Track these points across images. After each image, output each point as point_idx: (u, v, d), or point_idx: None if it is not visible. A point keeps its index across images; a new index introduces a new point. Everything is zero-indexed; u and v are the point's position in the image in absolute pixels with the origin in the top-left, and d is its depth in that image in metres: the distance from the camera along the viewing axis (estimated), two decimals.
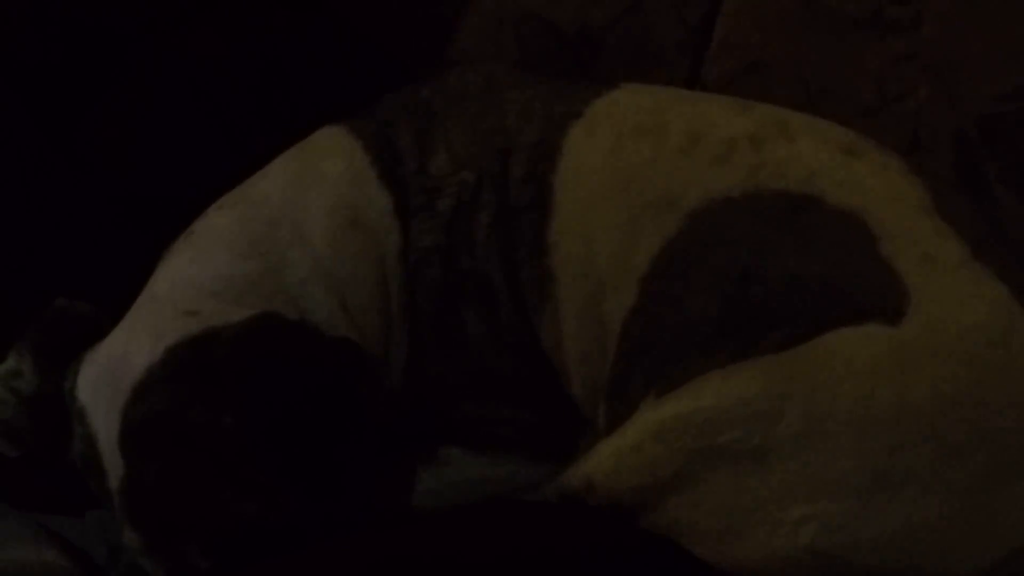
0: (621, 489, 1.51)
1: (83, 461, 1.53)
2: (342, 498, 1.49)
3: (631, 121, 1.71)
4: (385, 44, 2.15)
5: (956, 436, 1.41)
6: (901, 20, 1.96)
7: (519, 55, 2.16)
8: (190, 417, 1.45)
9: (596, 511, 1.53)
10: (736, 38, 2.07)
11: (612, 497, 1.51)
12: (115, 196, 1.87)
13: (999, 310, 1.48)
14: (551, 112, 1.74)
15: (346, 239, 1.68)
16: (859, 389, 1.43)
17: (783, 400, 1.43)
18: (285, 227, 1.68)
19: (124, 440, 1.46)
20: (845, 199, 1.57)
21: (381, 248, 1.69)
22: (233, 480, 1.44)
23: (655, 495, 1.49)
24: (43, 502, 1.72)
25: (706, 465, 1.45)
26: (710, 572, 1.47)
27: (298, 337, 1.52)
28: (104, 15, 1.92)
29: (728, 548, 1.45)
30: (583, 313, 1.67)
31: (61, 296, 1.64)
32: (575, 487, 1.55)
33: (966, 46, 1.92)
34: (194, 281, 1.62)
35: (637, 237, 1.64)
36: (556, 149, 1.70)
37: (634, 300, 1.63)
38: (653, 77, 2.02)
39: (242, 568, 1.45)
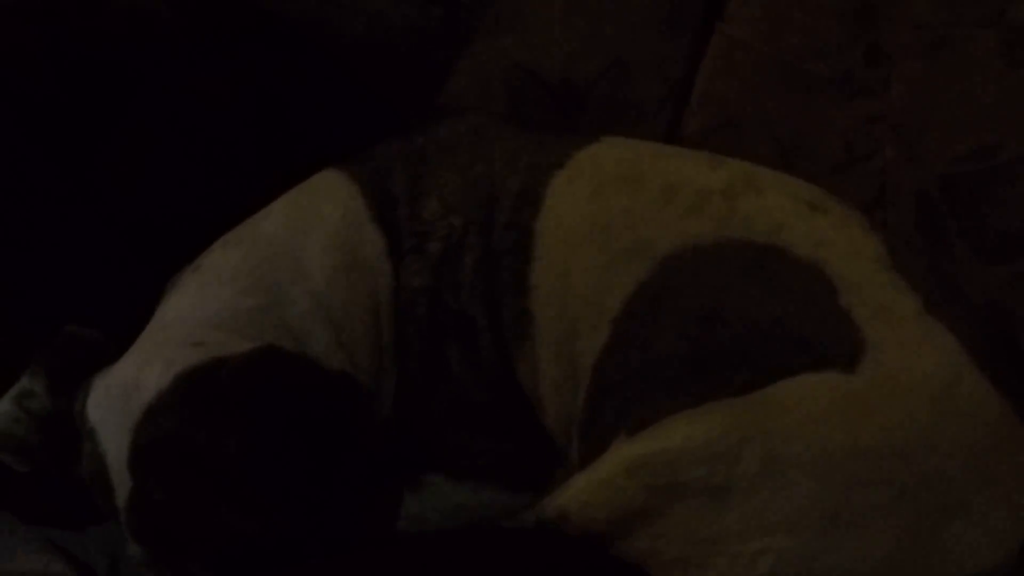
0: (593, 519, 1.55)
1: (91, 478, 1.57)
2: (334, 519, 1.54)
3: (610, 172, 1.77)
4: (381, 92, 2.18)
5: (905, 478, 1.48)
6: (871, 83, 2.03)
7: (507, 105, 2.20)
8: (196, 440, 1.49)
9: (570, 539, 1.57)
10: (714, 95, 2.13)
11: (585, 526, 1.56)
12: (123, 230, 1.91)
13: (948, 361, 1.54)
14: (535, 162, 1.79)
15: (342, 278, 1.73)
16: (815, 433, 1.49)
17: (743, 442, 1.49)
18: (286, 265, 1.72)
19: (133, 459, 1.51)
20: (808, 251, 1.63)
21: (375, 287, 1.74)
22: (235, 500, 1.48)
23: (625, 526, 1.54)
24: (49, 516, 1.77)
25: (672, 500, 1.51)
26: None
27: (297, 369, 1.56)
28: (117, 57, 1.95)
29: None
30: (558, 351, 1.72)
31: (72, 323, 1.68)
32: (551, 516, 1.59)
33: (930, 110, 1.99)
34: (201, 313, 1.66)
35: (611, 280, 1.69)
36: (539, 197, 1.76)
37: (606, 340, 1.68)
38: (634, 130, 2.06)
39: None
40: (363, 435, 1.57)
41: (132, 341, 1.67)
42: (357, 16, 2.20)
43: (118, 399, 1.56)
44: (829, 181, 1.83)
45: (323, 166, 1.86)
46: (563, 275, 1.72)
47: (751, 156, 1.84)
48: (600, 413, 1.67)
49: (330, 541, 1.54)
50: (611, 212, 1.73)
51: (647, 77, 2.17)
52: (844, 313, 1.58)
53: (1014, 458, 1.53)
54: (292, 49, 2.12)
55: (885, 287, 1.61)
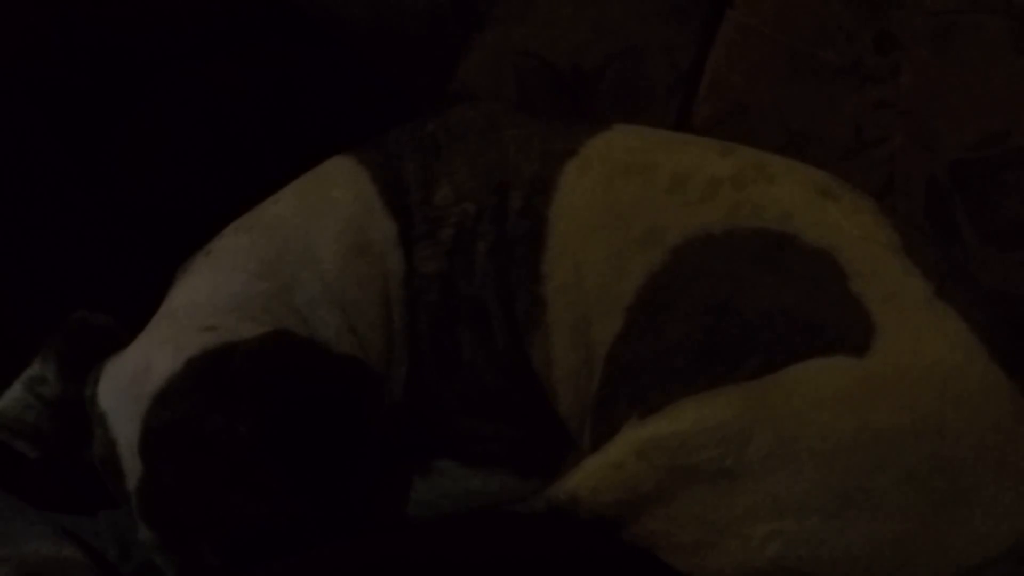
0: (604, 503, 1.56)
1: (102, 463, 1.57)
2: (344, 503, 1.55)
3: (622, 160, 1.77)
4: (392, 79, 2.19)
5: (914, 462, 1.48)
6: (880, 70, 2.03)
7: (518, 92, 2.20)
8: (207, 425, 1.50)
9: (580, 523, 1.58)
10: (723, 83, 2.13)
11: (595, 510, 1.57)
12: (135, 216, 1.91)
13: (958, 346, 1.55)
14: (548, 149, 1.79)
15: (353, 263, 1.73)
16: (824, 416, 1.50)
17: (754, 425, 1.50)
18: (297, 250, 1.73)
19: (144, 444, 1.51)
20: (819, 238, 1.63)
21: (386, 272, 1.74)
22: (245, 484, 1.49)
23: (635, 509, 1.55)
24: (60, 502, 1.76)
25: (682, 483, 1.52)
26: None
27: (308, 353, 1.57)
28: (130, 44, 1.96)
29: (701, 560, 1.52)
30: (572, 338, 1.72)
31: (82, 308, 1.68)
32: (561, 500, 1.60)
33: (940, 96, 1.99)
34: (212, 298, 1.67)
35: (624, 269, 1.70)
36: (551, 184, 1.76)
37: (620, 327, 1.69)
38: (644, 117, 2.07)
39: (250, 566, 1.50)
40: (373, 420, 1.57)
41: (143, 326, 1.67)
42: (368, 3, 2.21)
43: (129, 384, 1.56)
44: (839, 168, 1.82)
45: (334, 153, 1.86)
46: (576, 263, 1.73)
47: (760, 143, 1.85)
48: (613, 399, 1.67)
49: (340, 526, 1.55)
50: (623, 200, 1.74)
51: (657, 64, 2.17)
52: (854, 298, 1.59)
53: None
54: (303, 36, 2.13)
55: (896, 272, 1.61)
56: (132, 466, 1.53)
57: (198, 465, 1.50)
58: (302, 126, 2.02)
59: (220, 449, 1.50)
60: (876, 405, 1.51)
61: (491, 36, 2.22)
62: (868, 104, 2.04)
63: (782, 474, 1.49)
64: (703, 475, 1.51)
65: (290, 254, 1.73)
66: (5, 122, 1.87)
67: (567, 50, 2.19)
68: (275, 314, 1.66)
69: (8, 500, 1.75)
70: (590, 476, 1.58)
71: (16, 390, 1.65)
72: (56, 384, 1.64)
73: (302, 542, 1.52)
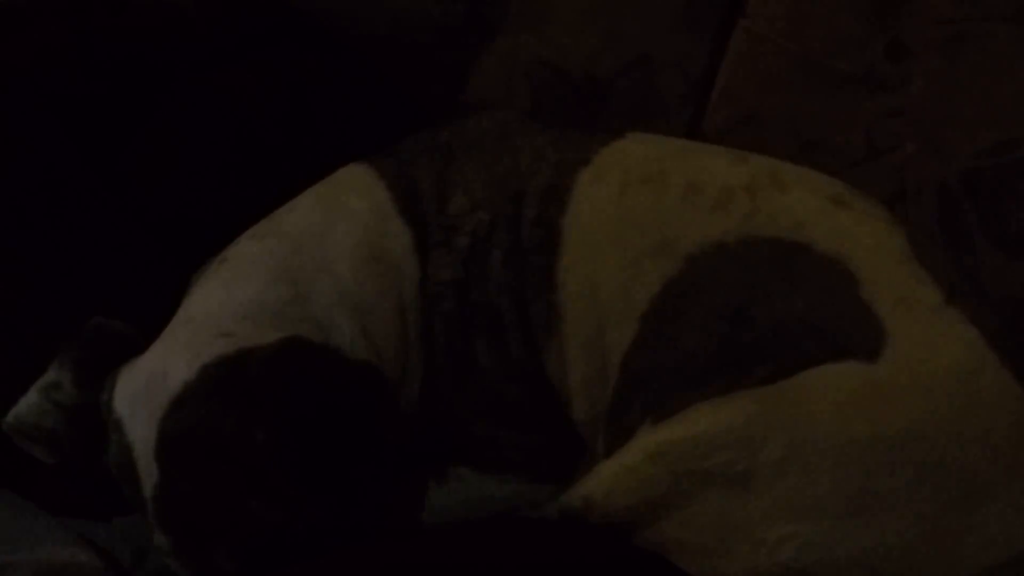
0: (617, 508, 1.57)
1: (118, 468, 1.57)
2: (360, 509, 1.55)
3: (636, 169, 1.77)
4: (406, 88, 2.20)
5: (926, 466, 1.49)
6: (891, 78, 2.03)
7: (531, 100, 2.20)
8: (223, 431, 1.50)
9: (594, 528, 1.59)
10: (735, 91, 2.13)
11: (609, 515, 1.58)
12: (150, 223, 1.91)
13: (969, 351, 1.56)
14: (562, 158, 1.80)
15: (369, 271, 1.74)
16: (837, 421, 1.50)
17: (767, 429, 1.50)
18: (313, 257, 1.73)
19: (160, 450, 1.52)
20: (831, 246, 1.64)
21: (401, 280, 1.75)
22: (261, 490, 1.49)
23: (648, 514, 1.56)
24: (75, 507, 1.77)
25: (695, 487, 1.53)
26: None
27: (323, 360, 1.57)
28: (145, 53, 1.97)
29: (715, 564, 1.53)
30: (586, 346, 1.73)
31: (98, 314, 1.69)
32: (575, 505, 1.61)
33: (951, 104, 2.00)
34: (228, 305, 1.67)
35: (638, 277, 1.70)
36: (565, 193, 1.77)
37: (634, 335, 1.70)
38: (656, 126, 2.05)
39: (265, 572, 1.51)
40: (388, 426, 1.57)
41: (158, 332, 1.68)
42: (381, 13, 2.21)
43: (145, 390, 1.57)
44: (850, 176, 1.82)
45: (348, 161, 1.86)
46: (590, 272, 1.73)
47: (772, 151, 1.85)
48: (627, 407, 1.68)
49: (355, 531, 1.55)
50: (637, 209, 1.74)
51: (669, 73, 2.17)
52: (866, 306, 1.59)
53: None
54: (316, 45, 2.13)
55: (907, 279, 1.62)
56: (148, 472, 1.53)
57: (214, 471, 1.50)
58: (316, 134, 2.01)
59: (236, 455, 1.50)
60: (888, 409, 1.51)
61: (504, 45, 2.22)
62: (879, 112, 2.04)
63: (795, 478, 1.49)
64: (717, 479, 1.52)
65: (306, 261, 1.73)
66: (22, 131, 1.88)
67: (580, 59, 2.19)
68: (291, 321, 1.66)
69: (24, 505, 1.77)
70: (604, 481, 1.59)
71: (32, 396, 1.65)
72: (72, 390, 1.64)
73: (318, 548, 1.52)
